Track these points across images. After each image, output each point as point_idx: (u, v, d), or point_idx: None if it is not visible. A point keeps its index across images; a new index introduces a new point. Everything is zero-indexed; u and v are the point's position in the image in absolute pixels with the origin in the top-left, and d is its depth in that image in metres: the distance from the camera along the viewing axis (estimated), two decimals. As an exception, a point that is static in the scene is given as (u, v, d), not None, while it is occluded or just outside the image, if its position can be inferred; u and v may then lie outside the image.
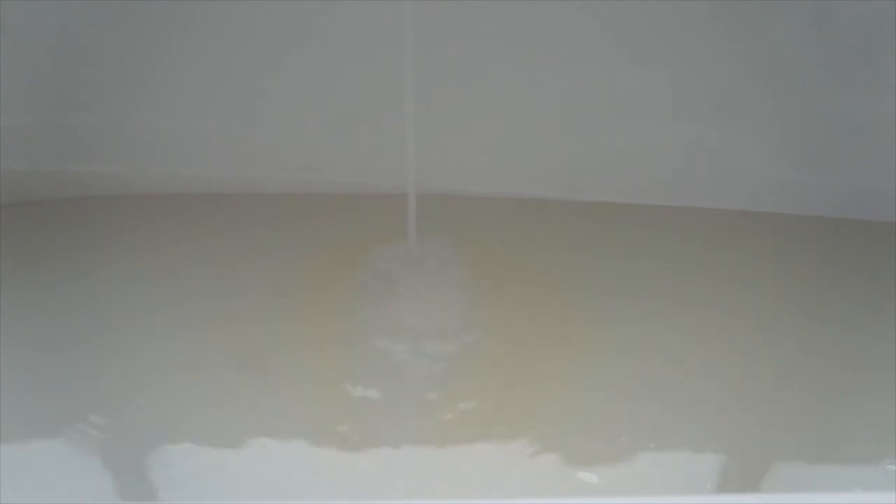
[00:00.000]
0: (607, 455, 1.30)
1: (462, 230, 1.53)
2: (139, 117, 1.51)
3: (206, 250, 1.50)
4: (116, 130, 1.51)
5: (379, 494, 1.26)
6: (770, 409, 1.34)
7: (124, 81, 1.47)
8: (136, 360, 1.37)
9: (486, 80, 1.48)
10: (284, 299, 1.43)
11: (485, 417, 1.33)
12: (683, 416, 1.33)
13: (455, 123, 1.51)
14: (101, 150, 1.53)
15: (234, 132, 1.52)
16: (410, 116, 1.38)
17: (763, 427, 1.32)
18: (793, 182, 1.53)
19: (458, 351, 1.40)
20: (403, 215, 1.46)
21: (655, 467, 1.29)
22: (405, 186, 1.44)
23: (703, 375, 1.37)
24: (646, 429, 1.31)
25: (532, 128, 1.52)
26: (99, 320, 1.41)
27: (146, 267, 1.47)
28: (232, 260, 1.48)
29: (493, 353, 1.39)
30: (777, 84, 1.46)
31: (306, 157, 1.55)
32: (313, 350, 1.39)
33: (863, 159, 1.49)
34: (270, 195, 1.56)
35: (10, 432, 1.28)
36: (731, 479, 1.28)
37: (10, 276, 1.43)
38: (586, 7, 1.41)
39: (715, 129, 1.51)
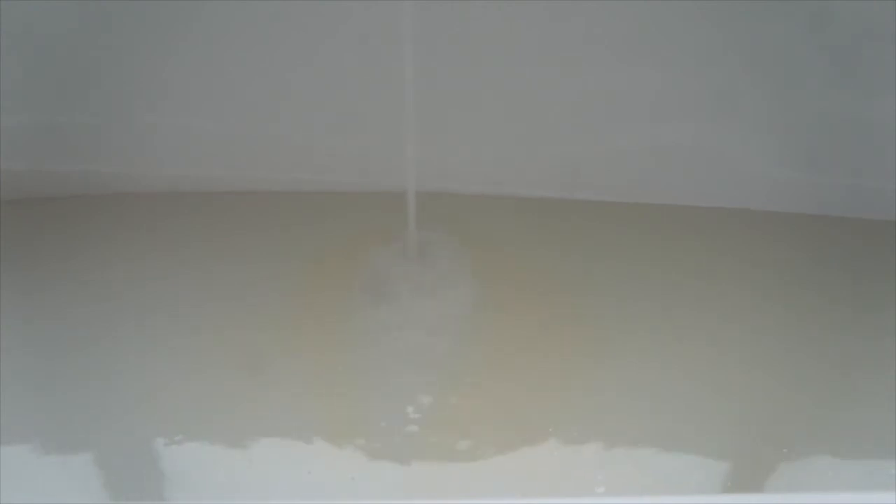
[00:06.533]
0: (608, 453, 1.30)
1: (462, 229, 1.53)
2: (139, 117, 1.51)
3: (206, 249, 1.50)
4: (116, 130, 1.52)
5: (378, 494, 1.26)
6: (770, 408, 1.33)
7: (124, 81, 1.47)
8: (135, 358, 1.37)
9: (485, 80, 1.48)
10: (284, 299, 1.43)
11: (485, 415, 1.33)
12: (683, 415, 1.32)
13: (455, 123, 1.51)
14: (100, 149, 1.53)
15: (234, 132, 1.52)
16: (410, 116, 1.38)
17: (764, 426, 1.32)
18: (793, 182, 1.53)
19: (459, 350, 1.40)
20: (403, 214, 1.46)
21: (653, 466, 1.28)
22: (405, 186, 1.44)
23: (702, 374, 1.36)
24: (645, 427, 1.31)
25: (532, 128, 1.52)
26: (98, 318, 1.41)
27: (145, 265, 1.47)
28: (232, 259, 1.48)
29: (494, 352, 1.39)
30: (777, 84, 1.46)
31: (306, 157, 1.55)
32: (313, 349, 1.39)
33: (863, 159, 1.49)
34: (270, 195, 1.56)
35: (10, 432, 1.28)
36: (732, 479, 1.28)
37: (8, 272, 1.44)
38: (586, 8, 1.41)
39: (715, 129, 1.51)
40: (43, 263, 1.47)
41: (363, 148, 1.54)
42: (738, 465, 1.30)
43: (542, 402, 1.34)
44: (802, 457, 1.30)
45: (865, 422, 1.32)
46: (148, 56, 1.45)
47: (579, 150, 1.54)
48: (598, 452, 1.30)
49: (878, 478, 1.27)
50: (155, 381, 1.35)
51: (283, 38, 1.44)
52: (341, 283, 1.46)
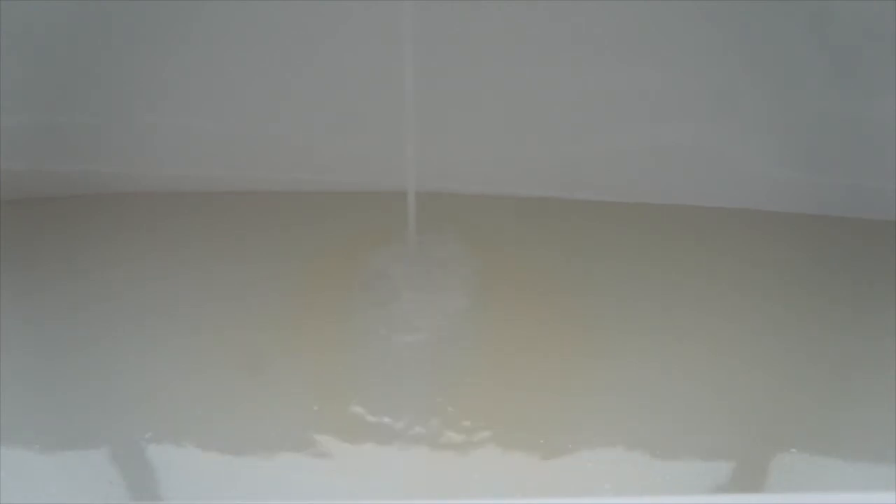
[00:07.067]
0: (607, 453, 1.30)
1: (462, 229, 1.53)
2: (139, 117, 1.51)
3: (206, 249, 1.50)
4: (116, 130, 1.52)
5: (379, 494, 1.26)
6: (770, 408, 1.33)
7: (124, 81, 1.47)
8: (135, 358, 1.37)
9: (485, 80, 1.48)
10: (284, 299, 1.43)
11: (485, 415, 1.33)
12: (683, 415, 1.33)
13: (455, 123, 1.51)
14: (100, 149, 1.53)
15: (234, 132, 1.52)
16: (410, 116, 1.38)
17: (764, 426, 1.32)
18: (793, 182, 1.53)
19: (459, 350, 1.40)
20: (403, 214, 1.46)
21: (653, 465, 1.29)
22: (405, 186, 1.44)
23: (702, 374, 1.37)
24: (646, 427, 1.31)
25: (532, 128, 1.52)
26: (98, 318, 1.41)
27: (145, 265, 1.47)
28: (232, 259, 1.48)
29: (494, 352, 1.39)
30: (777, 84, 1.46)
31: (306, 157, 1.55)
32: (313, 349, 1.39)
33: (863, 159, 1.49)
34: (270, 195, 1.56)
35: (10, 432, 1.28)
36: (732, 479, 1.28)
37: (8, 272, 1.44)
38: (586, 8, 1.41)
39: (715, 129, 1.51)
40: (43, 263, 1.47)
41: (363, 148, 1.54)
42: (739, 465, 1.30)
43: (543, 402, 1.34)
44: (803, 457, 1.30)
45: (865, 422, 1.32)
46: (148, 56, 1.45)
47: (579, 150, 1.54)
48: (597, 452, 1.30)
49: (878, 478, 1.27)
50: (155, 381, 1.35)
51: (283, 38, 1.44)
52: (341, 283, 1.46)
